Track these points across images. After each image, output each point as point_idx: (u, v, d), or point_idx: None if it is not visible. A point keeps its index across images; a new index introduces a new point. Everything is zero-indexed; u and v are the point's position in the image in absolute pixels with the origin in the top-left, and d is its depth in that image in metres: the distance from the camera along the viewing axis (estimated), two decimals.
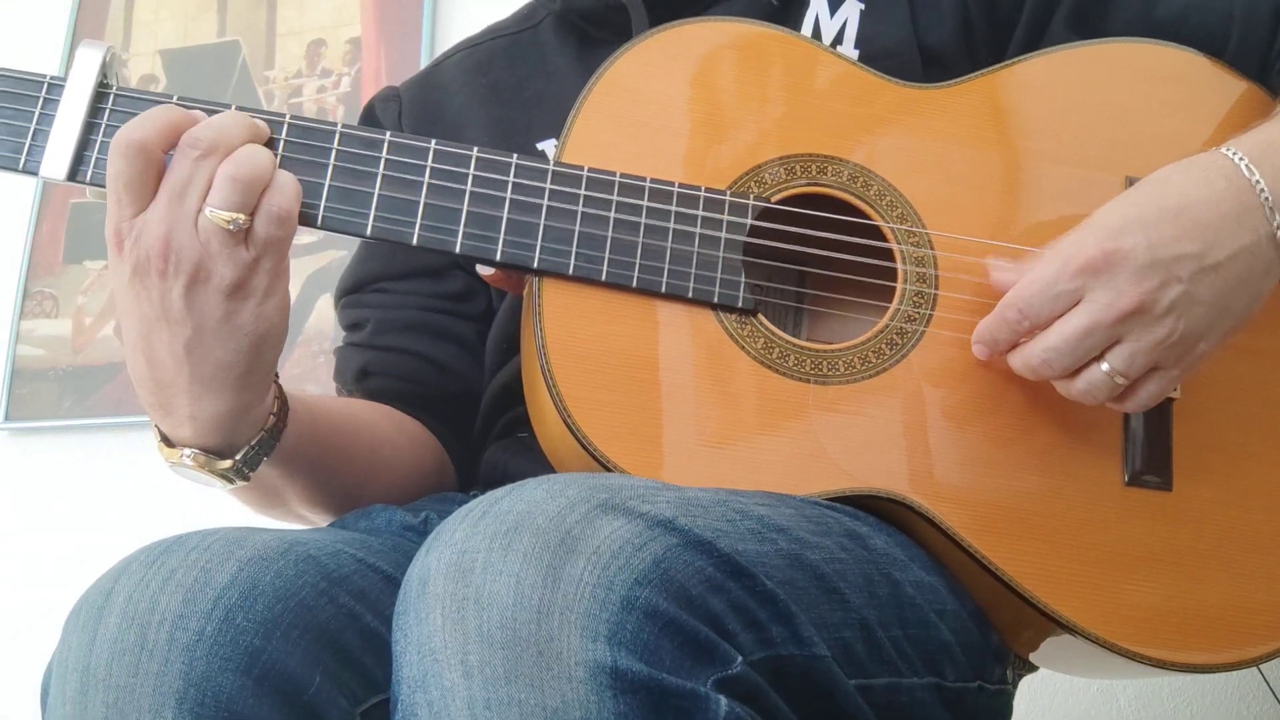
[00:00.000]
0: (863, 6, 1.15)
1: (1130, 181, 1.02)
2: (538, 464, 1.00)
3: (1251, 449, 1.00)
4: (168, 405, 0.93)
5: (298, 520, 1.11)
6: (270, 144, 0.94)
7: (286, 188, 0.91)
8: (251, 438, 0.95)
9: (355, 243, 1.26)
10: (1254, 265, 0.92)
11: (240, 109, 0.94)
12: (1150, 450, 0.98)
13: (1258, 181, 0.92)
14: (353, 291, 1.25)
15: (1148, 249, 0.89)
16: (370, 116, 1.27)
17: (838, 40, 1.14)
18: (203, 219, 0.88)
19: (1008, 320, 0.93)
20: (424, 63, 1.96)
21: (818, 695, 0.82)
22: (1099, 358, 0.91)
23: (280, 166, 0.93)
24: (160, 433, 0.96)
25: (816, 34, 1.14)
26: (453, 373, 1.20)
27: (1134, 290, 0.89)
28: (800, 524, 0.87)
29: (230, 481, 0.96)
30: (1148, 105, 1.05)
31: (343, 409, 1.13)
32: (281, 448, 0.98)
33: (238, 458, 0.95)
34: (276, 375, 0.99)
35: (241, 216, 0.88)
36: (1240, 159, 0.93)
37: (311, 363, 2.06)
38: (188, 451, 0.94)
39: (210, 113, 0.94)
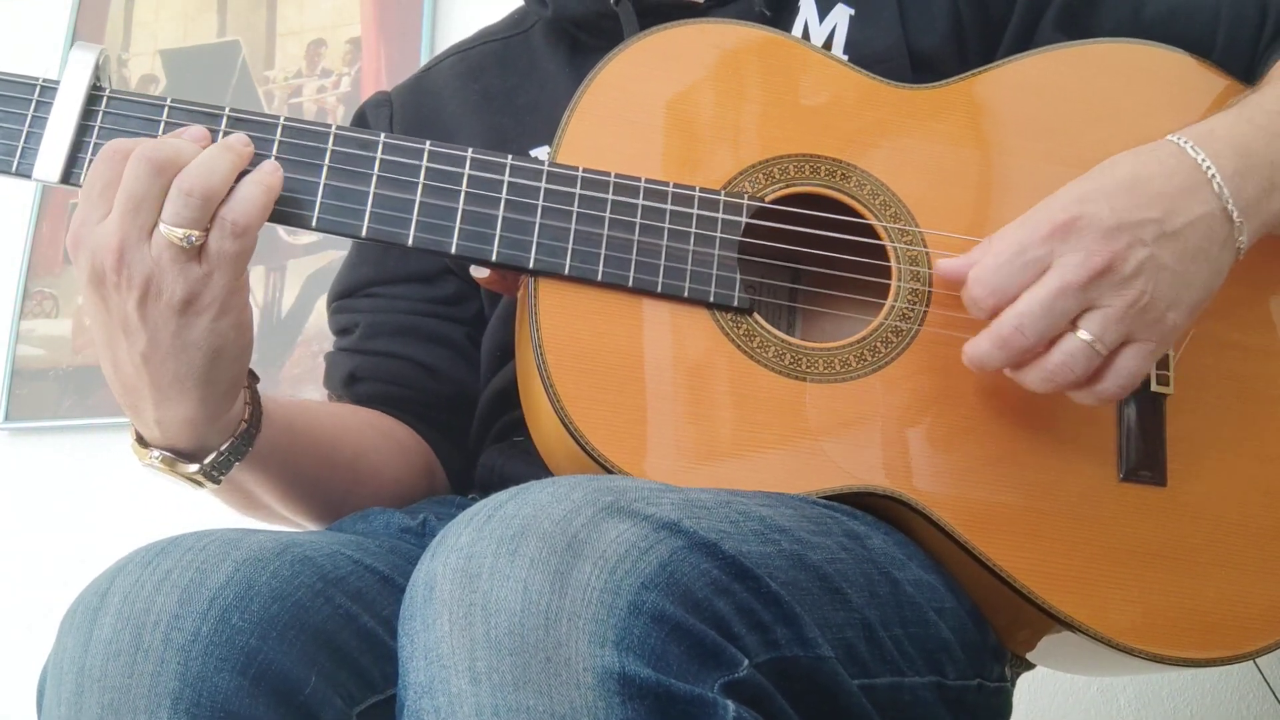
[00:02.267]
0: (852, 11, 1.15)
1: None
2: (534, 467, 0.99)
3: (1245, 443, 1.00)
4: (136, 407, 0.93)
5: (283, 523, 1.10)
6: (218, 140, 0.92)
7: (246, 200, 0.89)
8: (221, 443, 0.95)
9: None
10: (1211, 236, 0.92)
11: (235, 111, 0.94)
12: (1144, 446, 0.98)
13: (1203, 160, 0.93)
14: (343, 297, 1.24)
15: (1111, 213, 0.90)
16: (361, 122, 1.26)
17: (826, 45, 1.13)
18: (156, 234, 0.87)
19: (975, 299, 0.92)
20: (424, 63, 1.96)
21: (822, 696, 0.82)
22: (1073, 327, 0.90)
23: None
24: (136, 432, 0.96)
25: (805, 39, 1.14)
26: (444, 376, 1.20)
27: (1104, 249, 0.89)
28: (801, 524, 0.87)
29: (199, 484, 0.96)
30: (1137, 105, 1.05)
31: (325, 416, 1.12)
32: (255, 453, 0.97)
33: (205, 462, 0.94)
34: (256, 379, 0.99)
35: (195, 233, 0.86)
36: (1185, 143, 0.95)
37: (311, 363, 2.06)
38: (156, 453, 0.94)
39: (209, 115, 0.94)
